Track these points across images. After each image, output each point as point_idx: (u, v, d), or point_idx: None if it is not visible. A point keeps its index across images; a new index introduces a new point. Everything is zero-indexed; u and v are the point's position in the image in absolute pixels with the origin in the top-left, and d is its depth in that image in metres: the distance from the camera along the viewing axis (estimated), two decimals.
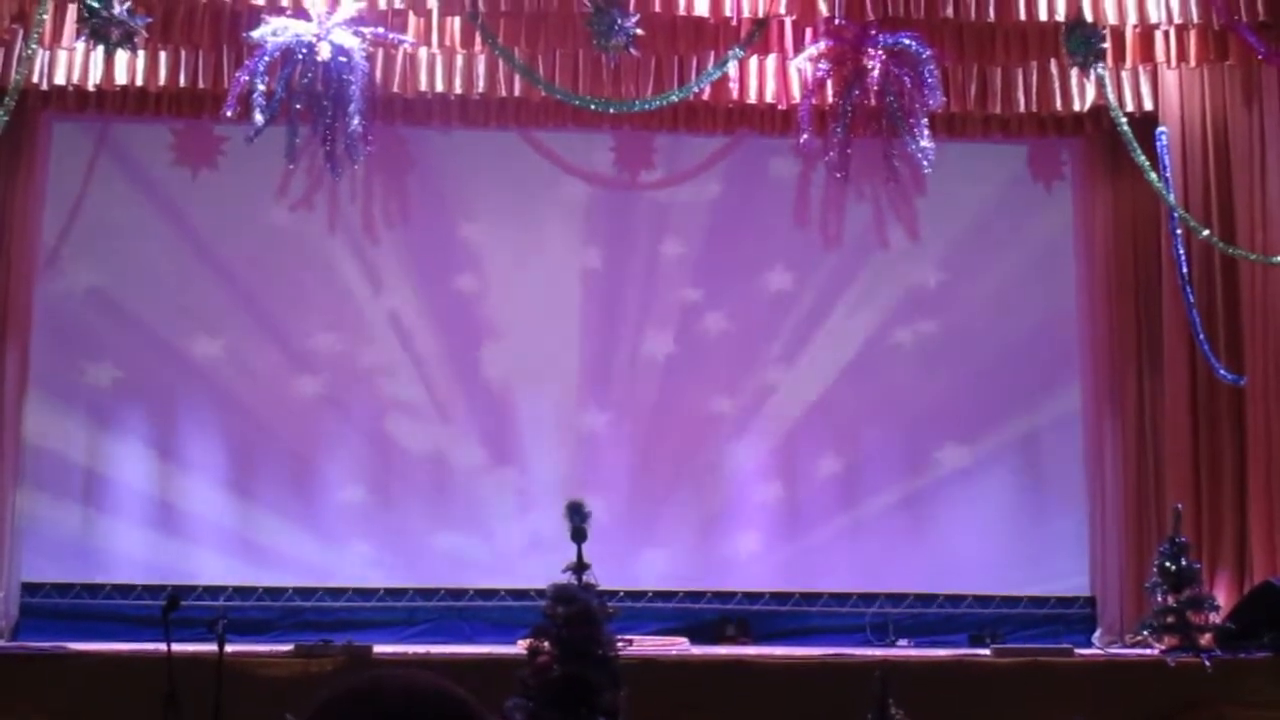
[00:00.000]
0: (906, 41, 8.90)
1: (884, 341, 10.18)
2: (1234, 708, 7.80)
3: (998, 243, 10.29)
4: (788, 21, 9.08)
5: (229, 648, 7.03)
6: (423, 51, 9.19)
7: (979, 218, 10.30)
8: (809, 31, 9.12)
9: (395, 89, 9.27)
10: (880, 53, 8.91)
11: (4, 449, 9.48)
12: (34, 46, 8.70)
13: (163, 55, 9.15)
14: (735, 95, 9.30)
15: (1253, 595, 8.65)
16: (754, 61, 9.26)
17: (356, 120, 8.86)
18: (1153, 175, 9.31)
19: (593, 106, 9.23)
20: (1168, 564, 8.34)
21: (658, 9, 8.79)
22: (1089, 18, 8.95)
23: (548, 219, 10.21)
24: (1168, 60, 9.27)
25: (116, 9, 8.60)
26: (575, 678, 6.01)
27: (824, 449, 10.12)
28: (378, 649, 8.20)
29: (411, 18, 9.02)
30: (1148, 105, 9.51)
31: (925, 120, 9.04)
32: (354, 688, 1.88)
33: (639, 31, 8.73)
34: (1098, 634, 9.65)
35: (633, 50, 8.78)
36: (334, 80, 8.82)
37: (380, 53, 9.13)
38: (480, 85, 9.25)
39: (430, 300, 10.10)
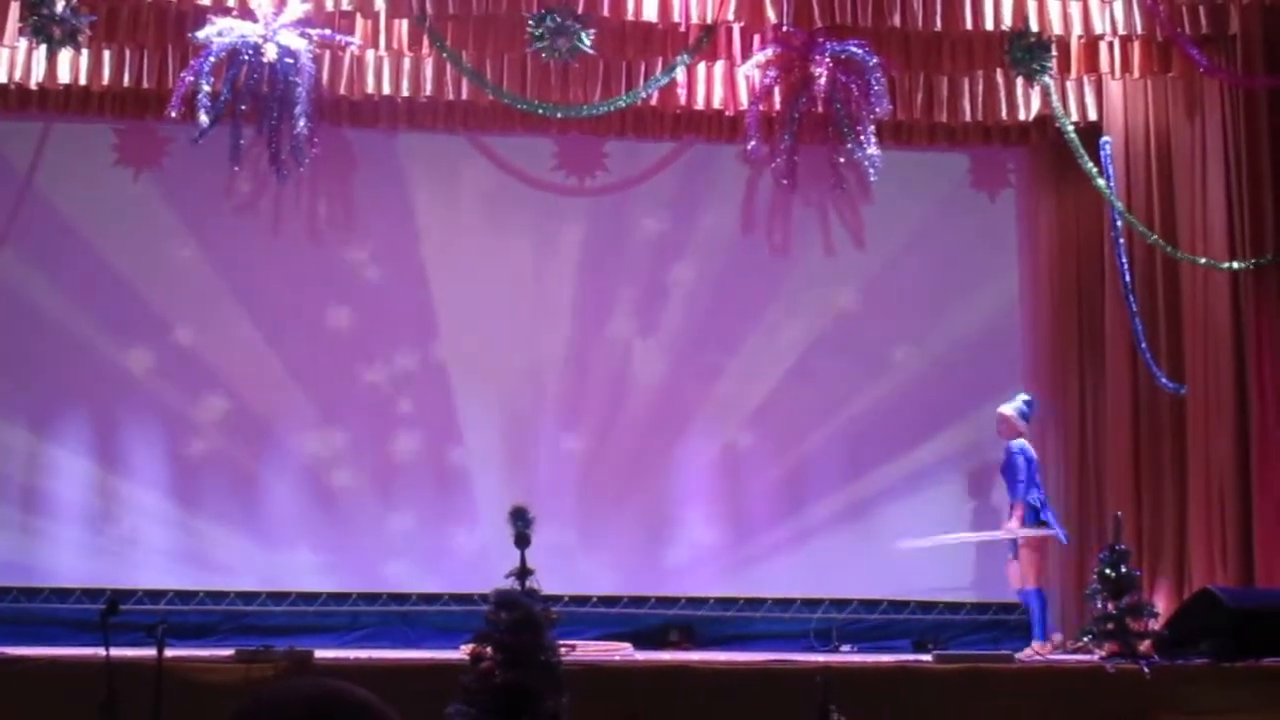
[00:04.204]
0: (854, 49, 8.93)
1: (828, 348, 10.21)
2: (1172, 715, 7.86)
3: (943, 250, 10.34)
4: (736, 28, 9.10)
5: (169, 653, 6.95)
6: (370, 54, 9.14)
7: (924, 225, 10.35)
8: (757, 38, 9.15)
9: (342, 91, 9.22)
10: (828, 60, 8.94)
11: None
12: None
13: (106, 54, 9.06)
14: (683, 101, 9.32)
15: (1191, 603, 8.71)
16: (702, 68, 9.28)
17: (302, 122, 8.80)
18: (1100, 181, 9.38)
19: (540, 111, 9.21)
20: (1108, 571, 8.41)
21: (606, 14, 8.78)
22: (1035, 28, 9.02)
23: (495, 223, 10.18)
24: (1112, 71, 9.36)
25: (60, 7, 8.53)
26: (518, 683, 6.00)
27: (768, 455, 10.15)
28: (320, 654, 8.13)
29: (359, 20, 8.98)
30: (1092, 115, 9.57)
31: (872, 128, 9.08)
32: (259, 699, 1.91)
33: (591, 32, 8.71)
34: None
35: (588, 50, 8.73)
36: (280, 82, 8.77)
37: (327, 54, 9.07)
38: (428, 88, 9.21)
39: (375, 303, 10.05)
